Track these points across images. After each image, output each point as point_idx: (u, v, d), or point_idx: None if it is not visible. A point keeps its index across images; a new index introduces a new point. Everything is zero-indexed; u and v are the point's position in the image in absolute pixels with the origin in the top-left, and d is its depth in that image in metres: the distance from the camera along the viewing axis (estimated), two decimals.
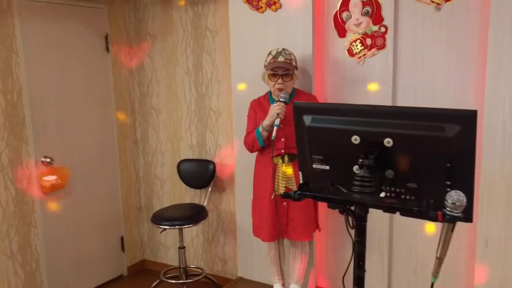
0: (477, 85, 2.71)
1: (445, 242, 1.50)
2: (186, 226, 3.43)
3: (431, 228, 2.97)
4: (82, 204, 3.79)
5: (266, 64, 2.88)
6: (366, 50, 3.00)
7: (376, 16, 2.94)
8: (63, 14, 3.56)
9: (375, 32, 2.96)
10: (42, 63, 3.42)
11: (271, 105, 2.79)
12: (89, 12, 3.76)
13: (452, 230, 1.47)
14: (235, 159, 3.54)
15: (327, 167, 1.72)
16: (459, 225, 2.82)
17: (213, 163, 3.71)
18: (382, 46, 2.95)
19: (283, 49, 2.87)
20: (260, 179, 3.00)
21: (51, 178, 3.47)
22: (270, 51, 2.91)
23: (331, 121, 1.66)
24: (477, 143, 1.47)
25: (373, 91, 3.01)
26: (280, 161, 2.86)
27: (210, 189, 3.82)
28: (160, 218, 3.49)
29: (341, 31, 3.08)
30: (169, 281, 3.75)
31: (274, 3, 3.18)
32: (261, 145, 2.87)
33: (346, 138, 1.62)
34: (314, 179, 1.78)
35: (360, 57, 3.03)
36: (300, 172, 1.84)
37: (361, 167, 1.55)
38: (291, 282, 3.15)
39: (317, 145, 1.72)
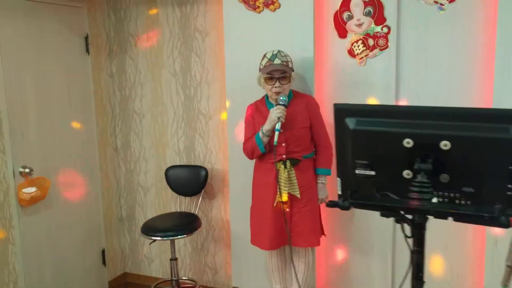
0: (482, 86, 2.73)
1: None
2: (180, 236, 3.25)
3: (434, 226, 2.95)
4: (62, 217, 3.53)
5: (261, 67, 2.78)
6: (368, 50, 2.96)
7: (378, 17, 2.91)
8: (41, 13, 3.30)
9: (377, 32, 2.93)
10: (19, 66, 3.16)
11: (271, 109, 2.69)
12: (68, 11, 3.52)
13: None
14: (228, 164, 3.40)
15: (373, 173, 1.63)
16: (467, 226, 2.83)
17: (205, 169, 3.55)
18: (385, 47, 2.92)
19: (279, 51, 2.78)
20: (260, 186, 2.88)
21: (31, 190, 3.20)
22: (265, 54, 2.81)
23: (380, 123, 1.57)
24: None
25: (376, 92, 2.97)
26: (282, 166, 2.76)
27: (201, 196, 3.66)
28: (152, 229, 3.30)
29: (342, 32, 3.03)
30: None
31: (273, 2, 3.08)
32: (261, 151, 2.76)
33: (396, 141, 1.54)
34: (356, 185, 1.68)
35: (361, 57, 2.99)
36: (338, 179, 1.75)
37: (418, 172, 1.47)
38: None
39: (362, 149, 1.63)
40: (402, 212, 1.54)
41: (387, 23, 2.89)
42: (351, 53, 3.02)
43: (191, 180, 3.56)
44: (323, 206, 2.96)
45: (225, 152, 3.61)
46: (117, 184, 4.09)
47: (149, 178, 3.97)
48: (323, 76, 3.11)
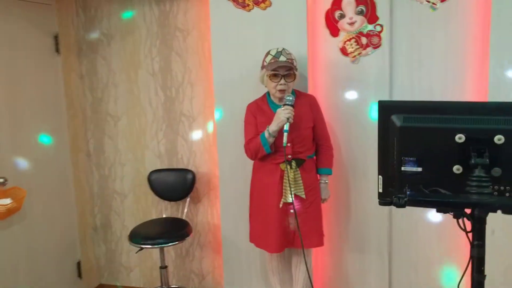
0: (475, 83, 2.84)
1: None
2: (171, 244, 3.11)
3: (430, 223, 3.06)
4: (36, 229, 3.27)
5: (265, 64, 2.73)
6: (361, 49, 3.00)
7: (371, 15, 2.95)
8: (8, 10, 3.03)
9: (370, 31, 2.97)
10: None
11: (278, 110, 2.62)
12: (36, 8, 3.26)
13: None
14: (218, 167, 3.31)
15: (420, 169, 1.64)
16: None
17: (192, 172, 3.43)
18: (378, 45, 2.97)
19: (283, 48, 2.74)
20: (263, 187, 2.82)
21: (6, 201, 2.92)
22: (269, 51, 2.76)
23: (429, 120, 1.58)
24: None
25: (370, 90, 3.01)
26: (288, 167, 2.73)
27: (188, 200, 3.53)
28: (140, 236, 3.13)
29: (334, 30, 3.04)
30: None
31: (264, 1, 3.03)
32: (267, 152, 2.70)
33: (447, 137, 1.56)
34: (400, 183, 1.69)
35: (354, 56, 3.02)
36: (380, 177, 1.74)
37: (474, 166, 1.50)
38: None
39: (410, 146, 1.64)
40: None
41: (379, 21, 2.94)
42: (344, 51, 3.04)
43: (177, 184, 3.42)
44: (323, 205, 2.96)
45: (211, 154, 3.51)
46: (90, 192, 3.86)
47: (126, 184, 3.78)
48: (317, 75, 3.11)
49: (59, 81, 3.48)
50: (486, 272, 2.84)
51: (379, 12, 2.94)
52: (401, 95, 2.99)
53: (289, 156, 2.73)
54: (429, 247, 3.09)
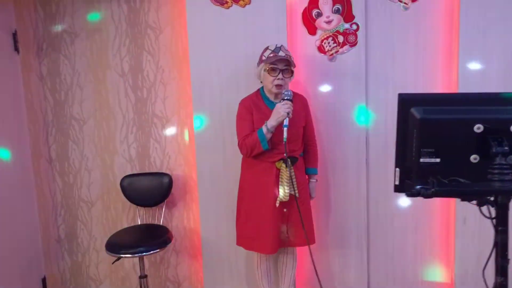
0: (445, 78, 2.96)
1: None
2: (152, 252, 2.95)
3: (405, 217, 3.14)
4: None
5: (264, 58, 2.67)
6: (338, 47, 3.03)
7: (347, 14, 3.00)
8: None
9: (347, 29, 3.01)
10: None
11: (277, 104, 2.56)
12: None
13: None
14: (197, 169, 3.21)
15: (438, 160, 1.67)
16: (437, 206, 3.05)
17: (169, 176, 3.30)
18: (354, 43, 3.02)
19: (282, 45, 2.70)
20: (257, 187, 2.74)
21: None
22: (268, 46, 2.70)
23: (449, 111, 1.61)
24: None
25: (346, 87, 3.05)
26: (283, 165, 2.69)
27: (164, 205, 3.39)
28: (118, 245, 2.96)
29: (311, 29, 3.05)
30: None
31: None
32: (264, 148, 2.62)
33: (466, 127, 1.60)
34: (418, 174, 1.71)
35: (332, 54, 3.05)
36: (397, 169, 1.76)
37: (495, 155, 1.54)
38: None
39: (429, 137, 1.66)
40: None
41: (355, 20, 2.99)
42: (321, 49, 3.06)
43: (152, 189, 3.28)
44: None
45: (186, 156, 3.40)
46: (53, 201, 3.60)
47: (93, 191, 3.57)
48: (295, 73, 3.10)
49: (18, 82, 3.23)
50: (460, 256, 2.97)
51: (355, 11, 2.98)
52: (376, 91, 3.06)
53: (285, 154, 2.68)
54: (404, 239, 3.18)
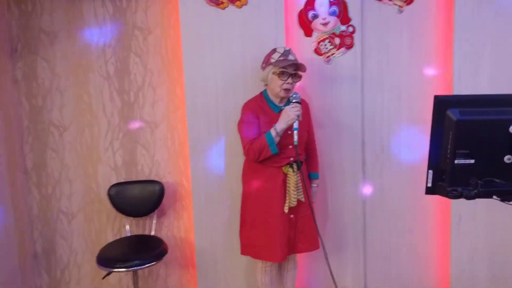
0: (440, 79, 3.01)
1: None
2: (148, 265, 2.78)
3: (400, 218, 3.16)
4: None
5: (273, 61, 2.58)
6: (335, 49, 3.01)
7: (343, 16, 2.99)
8: None
9: (343, 31, 3.00)
10: None
11: (286, 107, 2.49)
12: None
13: None
14: (191, 176, 3.07)
15: (472, 161, 1.67)
16: (432, 207, 3.09)
17: (160, 184, 3.14)
18: (351, 46, 3.01)
19: (289, 48, 2.64)
20: (263, 193, 2.65)
21: None
22: (275, 49, 2.62)
23: (484, 112, 1.62)
24: None
25: (343, 90, 3.04)
26: (290, 170, 2.62)
27: (155, 215, 3.22)
28: (111, 259, 2.77)
29: (307, 30, 3.02)
30: None
31: None
32: (273, 152, 2.53)
33: (501, 128, 1.61)
34: (452, 176, 1.70)
35: (328, 56, 3.02)
36: (430, 171, 1.74)
37: None
38: None
39: (465, 138, 1.65)
40: None
41: (352, 22, 2.99)
42: (317, 51, 3.03)
43: (143, 198, 3.11)
44: None
45: (177, 162, 3.26)
46: (29, 214, 3.34)
47: (74, 202, 3.34)
48: None
49: None
50: (455, 254, 3.01)
51: (351, 13, 2.98)
52: (371, 94, 3.07)
53: (291, 158, 2.62)
54: (400, 240, 3.19)
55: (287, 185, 2.60)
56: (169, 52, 3.15)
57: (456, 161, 1.67)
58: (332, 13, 2.99)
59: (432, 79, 3.03)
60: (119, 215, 3.31)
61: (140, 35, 3.15)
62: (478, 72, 2.90)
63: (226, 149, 3.02)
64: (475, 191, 1.57)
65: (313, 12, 3.00)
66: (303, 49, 3.02)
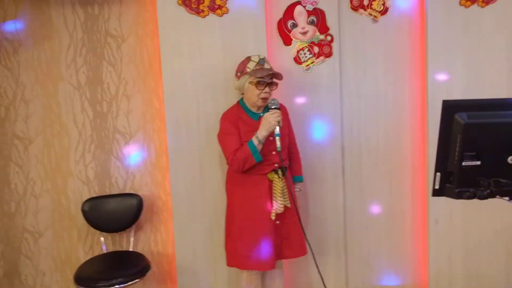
0: (414, 85, 3.11)
1: None
2: (131, 282, 2.64)
3: (379, 223, 3.23)
4: None
5: (248, 70, 2.56)
6: (314, 58, 3.05)
7: (321, 26, 3.03)
8: None
9: (321, 40, 3.04)
10: None
11: (266, 114, 2.48)
12: None
13: None
14: (171, 188, 2.98)
15: (478, 162, 1.73)
16: (409, 211, 3.17)
17: (138, 197, 3.01)
18: (329, 54, 3.05)
19: (264, 56, 2.63)
20: (249, 202, 2.60)
21: None
22: (250, 57, 2.60)
23: (490, 116, 1.69)
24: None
25: (322, 97, 3.07)
26: (276, 176, 2.60)
27: (134, 229, 3.08)
28: (91, 277, 2.62)
29: (287, 39, 3.03)
30: None
31: (220, 7, 2.87)
32: (257, 160, 2.50)
33: (506, 131, 1.69)
34: (459, 177, 1.76)
35: (308, 65, 3.05)
36: (438, 174, 1.79)
37: None
38: None
39: (472, 141, 1.72)
40: None
41: (330, 32, 3.03)
42: (297, 60, 3.05)
43: (120, 213, 2.96)
44: None
45: (153, 175, 3.15)
46: None
47: (42, 220, 3.14)
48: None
49: None
50: (433, 256, 3.11)
51: (329, 23, 3.03)
52: (349, 100, 3.12)
53: (276, 165, 2.60)
54: (379, 245, 3.25)
55: (273, 191, 2.58)
56: (145, 60, 3.05)
57: (463, 163, 1.73)
58: (311, 23, 3.02)
59: (407, 86, 3.13)
60: (92, 232, 3.14)
61: (114, 43, 3.03)
62: (451, 78, 3.02)
63: (207, 159, 2.96)
64: (488, 191, 1.62)
65: (292, 21, 3.02)
66: (282, 57, 3.03)
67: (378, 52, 3.10)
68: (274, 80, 2.59)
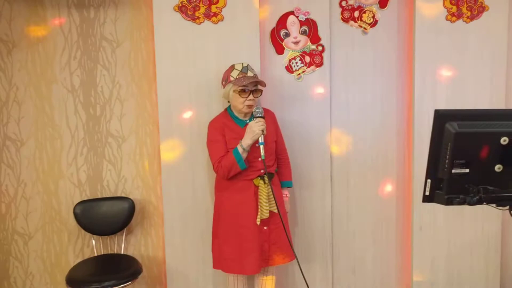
0: (401, 95, 3.22)
1: None
2: (123, 284, 2.66)
3: (365, 231, 3.31)
4: None
5: (232, 79, 2.63)
6: (305, 67, 3.13)
7: (313, 36, 3.11)
8: None
9: (313, 50, 3.12)
10: None
11: (250, 123, 2.54)
12: None
13: None
14: (163, 192, 3.01)
15: (467, 170, 1.82)
16: (394, 218, 3.26)
17: (130, 200, 3.04)
18: (320, 64, 3.14)
19: (247, 64, 2.69)
20: (235, 206, 2.66)
21: None
22: (233, 66, 2.67)
23: (480, 125, 1.78)
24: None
25: (313, 105, 3.15)
26: (261, 182, 2.66)
27: (125, 233, 3.10)
28: (82, 280, 2.63)
29: (279, 48, 3.11)
30: None
31: (215, 14, 2.93)
32: (242, 168, 2.57)
33: (493, 140, 1.78)
34: (449, 184, 1.84)
35: (299, 74, 3.13)
36: (428, 180, 1.87)
37: None
38: None
39: (462, 149, 1.80)
40: None
41: (321, 42, 3.12)
42: (288, 69, 3.12)
43: (112, 216, 2.98)
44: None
45: (144, 178, 3.17)
46: None
47: (32, 222, 3.13)
48: (264, 90, 3.11)
49: None
50: (416, 262, 3.21)
51: (320, 33, 3.12)
52: (338, 109, 3.21)
53: (262, 171, 2.66)
54: (365, 252, 3.34)
55: (259, 197, 2.63)
56: (139, 65, 3.09)
57: (453, 171, 1.82)
58: (303, 33, 3.10)
59: (394, 96, 3.23)
60: (82, 235, 3.15)
61: (108, 46, 3.06)
62: (437, 89, 3.14)
63: (199, 164, 3.00)
64: (477, 197, 1.71)
65: (285, 31, 3.10)
66: (275, 66, 3.10)
67: (367, 62, 3.20)
68: (259, 87, 2.65)
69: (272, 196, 2.66)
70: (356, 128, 3.23)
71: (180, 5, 2.90)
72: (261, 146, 2.51)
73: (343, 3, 3.14)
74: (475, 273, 3.29)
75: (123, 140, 3.14)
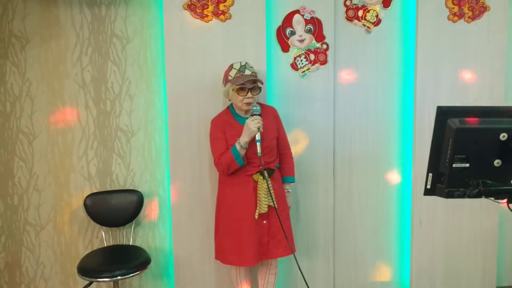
0: (402, 94, 3.29)
1: None
2: (132, 274, 2.76)
3: (366, 225, 3.40)
4: None
5: (230, 78, 2.70)
6: (310, 65, 3.21)
7: (318, 34, 3.19)
8: None
9: (317, 48, 3.20)
10: None
11: (247, 121, 2.62)
12: None
13: None
14: (170, 186, 3.10)
15: (467, 165, 1.91)
16: (394, 212, 3.34)
17: (139, 193, 3.13)
18: (324, 62, 3.22)
19: (246, 62, 2.76)
20: (235, 200, 2.75)
21: None
22: (232, 65, 2.74)
23: (481, 122, 1.87)
24: None
25: (317, 102, 3.23)
26: (261, 177, 2.74)
27: (134, 225, 3.20)
28: (95, 270, 2.72)
29: (284, 46, 3.19)
30: None
31: (223, 12, 3.01)
32: (240, 165, 2.66)
33: (493, 136, 1.86)
34: (449, 178, 1.92)
35: (304, 71, 3.21)
36: (430, 174, 1.96)
37: None
38: None
39: (462, 145, 1.89)
40: None
41: (326, 40, 3.20)
42: (293, 66, 3.20)
43: (121, 208, 3.08)
44: None
45: (152, 172, 3.26)
46: None
47: (44, 213, 3.23)
48: (269, 87, 3.20)
49: None
50: (416, 257, 3.30)
51: (325, 32, 3.19)
52: (342, 106, 3.28)
53: (261, 167, 2.74)
54: (365, 246, 3.42)
55: (258, 192, 2.72)
56: (148, 61, 3.17)
57: (454, 165, 1.90)
58: (308, 31, 3.18)
59: (396, 94, 3.31)
60: (92, 226, 3.24)
61: (119, 43, 3.15)
62: (438, 88, 3.22)
63: (205, 159, 3.09)
64: (476, 190, 1.80)
65: (290, 29, 3.18)
66: (280, 64, 3.18)
67: (370, 61, 3.28)
68: (257, 84, 2.72)
69: (271, 191, 2.74)
70: (359, 124, 3.31)
71: (189, 3, 2.98)
72: (258, 144, 2.60)
73: (348, 3, 3.21)
74: (472, 267, 3.37)
75: (132, 134, 3.23)
